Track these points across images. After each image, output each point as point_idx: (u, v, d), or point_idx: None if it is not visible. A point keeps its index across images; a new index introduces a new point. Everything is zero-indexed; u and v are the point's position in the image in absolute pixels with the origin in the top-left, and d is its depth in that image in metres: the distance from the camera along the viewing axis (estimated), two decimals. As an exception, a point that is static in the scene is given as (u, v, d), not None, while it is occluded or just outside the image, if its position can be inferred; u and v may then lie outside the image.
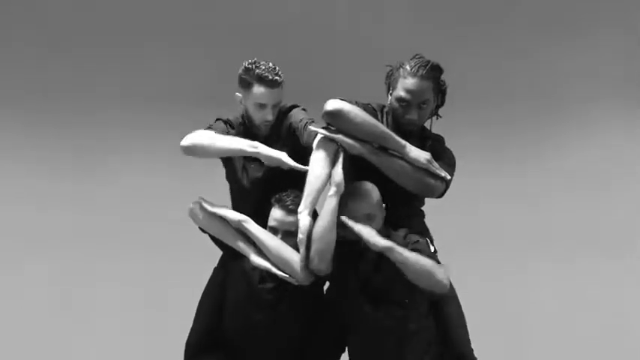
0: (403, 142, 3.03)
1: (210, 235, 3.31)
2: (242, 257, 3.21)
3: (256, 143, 3.11)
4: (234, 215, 3.18)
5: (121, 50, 5.23)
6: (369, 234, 2.92)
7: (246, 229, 3.16)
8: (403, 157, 3.03)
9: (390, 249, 2.89)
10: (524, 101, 5.31)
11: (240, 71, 3.24)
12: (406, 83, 3.09)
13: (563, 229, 5.20)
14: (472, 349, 3.30)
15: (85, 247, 5.06)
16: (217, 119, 3.38)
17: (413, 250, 3.00)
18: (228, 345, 3.27)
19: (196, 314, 3.37)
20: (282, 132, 3.28)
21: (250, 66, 3.20)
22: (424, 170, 3.04)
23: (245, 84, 3.22)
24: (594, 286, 5.09)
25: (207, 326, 3.31)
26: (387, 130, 3.04)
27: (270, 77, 3.17)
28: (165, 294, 4.91)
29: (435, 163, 3.05)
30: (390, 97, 3.19)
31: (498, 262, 5.14)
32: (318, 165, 3.02)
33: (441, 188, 3.07)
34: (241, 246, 3.18)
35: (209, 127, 3.30)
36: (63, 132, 5.19)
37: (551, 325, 5.06)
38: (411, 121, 3.11)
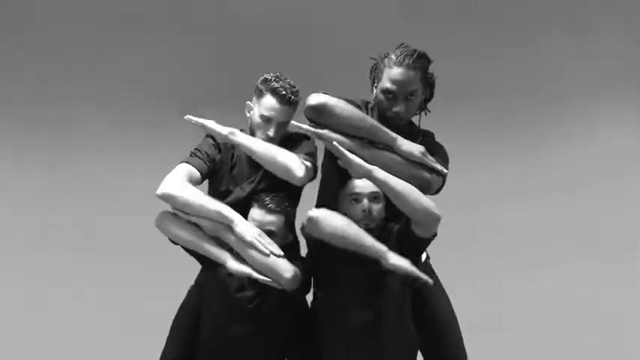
0: (394, 134, 2.91)
1: (182, 246, 3.12)
2: (218, 266, 3.02)
3: (233, 215, 2.97)
4: (228, 212, 2.98)
5: (101, 47, 5.13)
6: (354, 158, 2.81)
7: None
8: (395, 150, 2.90)
9: (373, 170, 2.80)
10: (523, 99, 5.23)
11: (259, 81, 3.12)
12: (392, 73, 2.96)
13: (564, 228, 5.13)
14: (465, 353, 3.21)
15: (60, 248, 4.96)
16: (207, 136, 3.20)
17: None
18: None
19: (170, 335, 3.22)
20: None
21: (270, 77, 3.10)
22: (419, 164, 2.91)
23: (258, 93, 3.10)
24: (596, 286, 5.03)
25: (181, 350, 3.16)
26: (377, 123, 2.91)
27: (284, 93, 3.05)
28: (140, 296, 4.82)
29: (430, 156, 2.91)
30: (375, 91, 3.05)
31: (496, 261, 5.06)
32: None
33: (438, 183, 2.95)
34: (216, 253, 2.98)
35: (190, 156, 3.13)
36: (38, 132, 5.09)
37: (551, 325, 5.00)
38: (398, 114, 2.97)
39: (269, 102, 3.05)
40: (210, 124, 3.06)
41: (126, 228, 4.92)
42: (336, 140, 2.85)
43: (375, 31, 5.00)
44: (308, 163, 2.98)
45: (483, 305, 4.86)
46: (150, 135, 5.06)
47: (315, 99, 2.89)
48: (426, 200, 2.78)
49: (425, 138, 3.09)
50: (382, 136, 2.89)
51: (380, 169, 2.81)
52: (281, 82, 3.07)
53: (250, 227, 2.94)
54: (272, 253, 2.89)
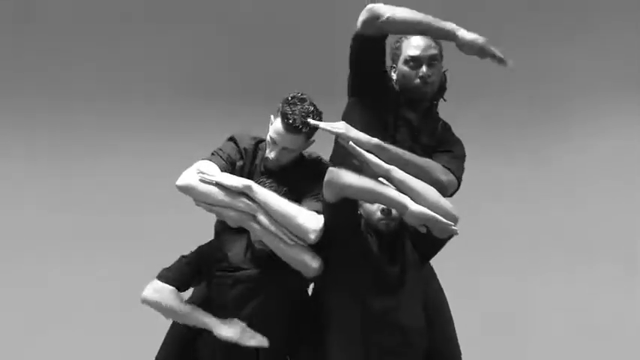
0: (452, 25, 2.91)
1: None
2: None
3: (249, 182, 2.93)
4: (238, 181, 2.95)
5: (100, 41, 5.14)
6: (371, 158, 2.81)
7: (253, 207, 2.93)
8: (458, 43, 2.87)
9: (391, 170, 2.80)
10: (528, 98, 5.27)
11: (283, 99, 3.03)
12: (412, 41, 3.09)
13: (566, 230, 5.15)
14: (459, 351, 3.22)
15: (64, 247, 4.99)
16: (229, 139, 3.17)
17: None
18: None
19: (163, 343, 3.23)
20: (296, 178, 3.07)
21: (290, 99, 3.01)
22: (436, 165, 2.97)
23: (277, 112, 3.03)
24: (603, 290, 5.06)
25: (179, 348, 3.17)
26: (430, 17, 2.92)
27: (292, 121, 2.96)
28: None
29: (492, 46, 2.93)
30: (395, 74, 3.11)
31: (499, 263, 5.09)
32: None
33: (454, 185, 3.00)
34: (247, 207, 2.92)
35: (212, 155, 3.08)
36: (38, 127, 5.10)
37: (554, 328, 5.01)
38: (424, 77, 3.03)
39: (277, 125, 3.01)
40: (225, 178, 2.96)
41: (129, 227, 4.95)
42: (353, 140, 2.84)
43: None
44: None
45: (483, 307, 4.87)
46: (154, 136, 5.09)
47: (365, 13, 2.91)
48: (443, 200, 2.81)
49: (443, 130, 3.15)
50: (443, 25, 2.89)
51: (398, 170, 2.81)
52: (294, 108, 2.98)
53: (238, 179, 2.93)
54: (297, 242, 2.91)
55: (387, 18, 2.88)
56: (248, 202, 2.92)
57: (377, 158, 2.82)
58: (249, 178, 3.02)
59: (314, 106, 3.01)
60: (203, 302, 3.10)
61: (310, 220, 2.91)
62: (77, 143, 5.11)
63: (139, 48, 5.16)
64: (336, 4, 4.90)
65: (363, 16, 2.92)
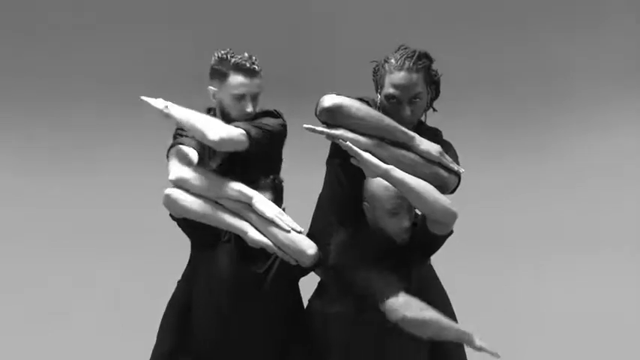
0: (411, 133, 2.87)
1: (183, 223, 3.04)
2: (212, 248, 3.04)
3: (252, 192, 2.93)
4: (247, 190, 2.94)
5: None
6: (369, 158, 2.78)
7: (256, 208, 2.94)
8: (412, 150, 2.87)
9: (390, 170, 2.78)
10: (530, 95, 5.26)
11: (213, 62, 3.07)
12: (393, 78, 2.91)
13: (568, 227, 5.14)
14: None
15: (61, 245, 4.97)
16: (209, 109, 3.15)
17: None
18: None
19: (160, 330, 3.20)
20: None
21: (224, 55, 3.04)
22: (437, 164, 2.90)
23: (219, 75, 3.05)
24: (606, 286, 5.04)
25: (171, 346, 3.13)
26: (393, 122, 2.86)
27: (248, 65, 3.01)
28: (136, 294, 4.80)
29: (447, 156, 2.89)
30: (379, 96, 3.00)
31: (500, 262, 5.08)
32: None
33: (454, 182, 2.94)
34: (236, 223, 2.93)
35: (175, 138, 3.07)
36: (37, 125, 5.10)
37: (557, 328, 4.98)
38: (404, 119, 2.92)
39: (236, 80, 3.02)
40: (152, 100, 2.95)
41: (124, 223, 4.96)
42: (350, 140, 2.82)
43: (380, 23, 5.04)
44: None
45: (484, 308, 4.81)
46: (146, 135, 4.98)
47: (329, 101, 2.85)
48: (442, 198, 2.81)
49: (433, 137, 3.04)
50: (400, 134, 2.86)
51: (397, 169, 2.79)
52: (239, 56, 3.03)
53: (270, 205, 2.93)
54: (293, 229, 2.90)
55: (345, 113, 2.85)
56: (243, 190, 2.92)
57: (375, 158, 2.79)
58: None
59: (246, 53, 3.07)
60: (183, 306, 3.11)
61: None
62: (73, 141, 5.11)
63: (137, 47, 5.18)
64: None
65: (322, 104, 2.86)
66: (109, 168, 5.10)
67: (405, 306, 2.80)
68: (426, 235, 2.90)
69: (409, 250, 2.96)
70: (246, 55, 3.05)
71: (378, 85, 3.01)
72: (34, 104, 5.12)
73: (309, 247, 2.93)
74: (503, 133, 5.24)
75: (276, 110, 3.12)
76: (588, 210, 5.14)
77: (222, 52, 3.05)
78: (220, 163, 3.08)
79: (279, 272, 3.01)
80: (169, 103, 2.95)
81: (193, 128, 2.91)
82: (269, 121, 3.05)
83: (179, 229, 3.17)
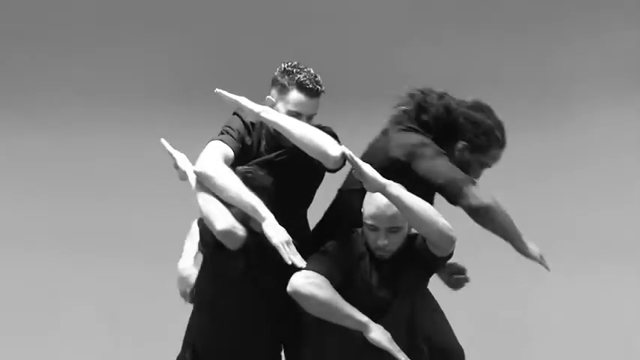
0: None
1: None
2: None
3: (266, 213, 2.89)
4: (262, 209, 2.91)
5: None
6: (369, 171, 2.79)
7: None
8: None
9: (387, 185, 2.78)
10: (527, 94, 5.44)
11: (277, 73, 3.09)
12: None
13: (571, 231, 5.32)
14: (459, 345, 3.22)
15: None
16: (234, 114, 3.15)
17: None
18: None
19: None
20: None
21: (291, 69, 3.06)
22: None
23: (281, 87, 3.07)
24: (611, 292, 5.20)
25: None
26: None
27: (312, 86, 3.03)
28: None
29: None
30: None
31: (503, 265, 5.02)
32: None
33: (452, 182, 3.02)
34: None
35: (222, 134, 3.07)
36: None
37: (559, 329, 5.17)
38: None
39: (296, 97, 3.06)
40: (243, 100, 3.01)
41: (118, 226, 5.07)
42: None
43: (380, 18, 5.21)
44: (345, 149, 2.88)
45: (485, 311, 5.03)
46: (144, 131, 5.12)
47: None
48: (441, 221, 2.81)
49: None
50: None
51: (396, 184, 2.80)
52: (304, 74, 3.03)
53: (280, 231, 2.90)
54: (294, 263, 2.87)
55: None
56: (258, 208, 2.92)
57: (375, 171, 2.80)
58: (256, 156, 3.10)
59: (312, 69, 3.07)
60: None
61: (329, 141, 2.93)
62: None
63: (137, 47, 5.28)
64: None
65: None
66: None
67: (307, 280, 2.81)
68: (426, 252, 2.92)
69: (408, 265, 2.95)
70: (312, 72, 3.07)
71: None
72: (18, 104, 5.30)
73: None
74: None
75: (330, 128, 3.11)
76: (593, 211, 5.26)
77: (289, 64, 3.08)
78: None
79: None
80: (268, 108, 3.00)
81: (309, 139, 2.94)
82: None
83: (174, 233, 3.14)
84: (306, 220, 3.24)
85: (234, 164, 3.05)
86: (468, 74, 5.11)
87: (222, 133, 3.10)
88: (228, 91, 3.07)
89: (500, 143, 3.25)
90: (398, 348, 2.86)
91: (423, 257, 2.94)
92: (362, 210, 2.96)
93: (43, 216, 5.15)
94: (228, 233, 2.88)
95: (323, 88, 3.05)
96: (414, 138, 3.13)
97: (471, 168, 3.21)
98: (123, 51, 5.19)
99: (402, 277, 2.95)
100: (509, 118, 5.26)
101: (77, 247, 5.08)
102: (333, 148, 2.91)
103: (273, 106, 3.06)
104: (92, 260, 5.01)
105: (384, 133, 3.24)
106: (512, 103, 5.30)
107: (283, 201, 2.98)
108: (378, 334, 2.86)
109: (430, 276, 3.10)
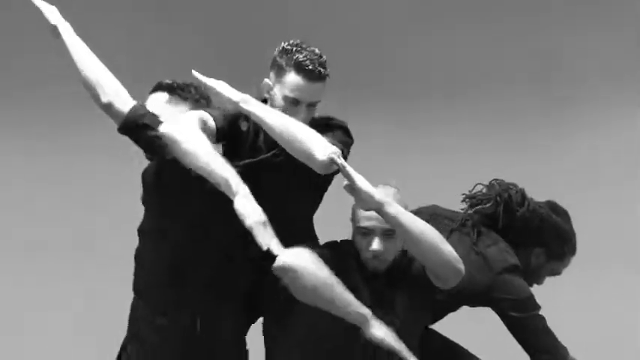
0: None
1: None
2: None
3: (239, 187, 2.34)
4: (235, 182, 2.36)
5: None
6: (363, 186, 2.36)
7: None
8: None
9: (385, 204, 2.36)
10: (533, 90, 5.08)
11: (276, 52, 2.60)
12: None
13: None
14: None
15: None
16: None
17: None
18: None
19: None
20: None
21: (290, 47, 2.57)
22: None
23: (278, 69, 2.57)
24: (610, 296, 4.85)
25: None
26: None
27: (312, 67, 2.52)
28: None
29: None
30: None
31: None
32: None
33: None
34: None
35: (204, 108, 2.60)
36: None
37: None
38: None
39: (294, 80, 2.54)
40: (221, 86, 2.57)
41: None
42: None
43: (379, 11, 4.89)
44: (337, 150, 2.42)
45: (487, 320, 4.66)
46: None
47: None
48: (447, 249, 2.41)
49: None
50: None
51: (394, 204, 2.40)
52: (305, 53, 2.54)
53: (255, 210, 2.33)
54: (269, 248, 2.29)
55: None
56: (231, 181, 2.36)
57: (371, 186, 2.40)
58: (252, 148, 2.60)
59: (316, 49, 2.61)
60: None
61: (318, 141, 2.43)
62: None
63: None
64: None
65: None
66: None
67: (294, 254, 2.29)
68: (425, 281, 2.52)
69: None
70: (316, 52, 2.57)
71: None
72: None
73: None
74: (509, 133, 5.10)
75: (344, 123, 2.68)
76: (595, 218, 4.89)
77: (290, 42, 2.59)
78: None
79: None
80: (248, 97, 2.53)
81: (293, 138, 2.44)
82: (345, 142, 2.61)
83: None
84: (312, 228, 2.78)
85: (225, 155, 2.53)
86: (469, 71, 4.96)
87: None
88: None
89: (575, 251, 3.03)
90: (406, 348, 2.34)
91: (420, 285, 2.57)
92: (352, 214, 2.62)
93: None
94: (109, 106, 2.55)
95: (327, 71, 2.58)
96: (523, 289, 2.83)
97: (541, 274, 3.01)
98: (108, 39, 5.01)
99: (397, 297, 2.58)
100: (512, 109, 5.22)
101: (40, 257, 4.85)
102: (320, 150, 2.41)
103: (270, 90, 2.62)
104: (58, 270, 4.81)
105: (462, 231, 2.91)
106: (512, 100, 5.13)
107: (284, 206, 2.54)
108: (381, 331, 2.32)
109: (428, 310, 2.69)
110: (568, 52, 5.08)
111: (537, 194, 4.90)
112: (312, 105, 2.58)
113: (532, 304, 2.82)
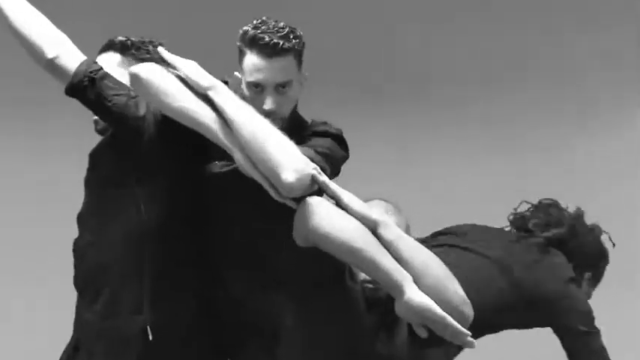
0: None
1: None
2: None
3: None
4: (200, 77, 2.15)
5: None
6: (355, 204, 2.01)
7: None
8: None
9: (384, 226, 2.00)
10: (546, 89, 5.06)
11: (241, 32, 2.22)
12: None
13: None
14: None
15: None
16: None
17: None
18: None
19: None
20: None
21: (248, 27, 2.19)
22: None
23: (240, 55, 2.21)
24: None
25: None
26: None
27: (267, 39, 2.11)
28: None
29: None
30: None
31: None
32: None
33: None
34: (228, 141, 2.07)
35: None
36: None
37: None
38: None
39: (249, 61, 2.14)
40: (189, 67, 2.19)
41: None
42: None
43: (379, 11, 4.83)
44: (315, 170, 2.04)
45: None
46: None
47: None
48: (453, 288, 2.01)
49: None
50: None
51: (393, 226, 2.07)
52: (264, 28, 2.15)
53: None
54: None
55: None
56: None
57: (361, 204, 2.05)
58: None
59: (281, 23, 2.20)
60: None
61: (288, 153, 2.03)
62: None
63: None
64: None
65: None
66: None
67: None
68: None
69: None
70: (271, 24, 2.16)
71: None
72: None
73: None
74: (510, 134, 5.07)
75: (339, 131, 2.26)
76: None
77: (253, 21, 2.21)
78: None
79: None
80: (218, 84, 2.18)
81: (260, 146, 2.02)
82: (336, 153, 2.19)
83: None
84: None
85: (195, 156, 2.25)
86: (468, 72, 4.94)
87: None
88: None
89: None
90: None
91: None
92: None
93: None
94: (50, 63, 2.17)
95: (291, 43, 2.14)
96: (588, 303, 2.63)
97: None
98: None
99: (393, 334, 2.18)
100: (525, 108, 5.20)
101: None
102: (289, 168, 1.99)
103: (240, 84, 2.24)
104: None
105: (520, 243, 2.70)
106: (513, 102, 5.10)
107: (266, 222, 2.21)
108: (419, 296, 1.91)
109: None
110: (568, 52, 5.07)
111: (537, 195, 4.94)
112: (280, 87, 2.16)
113: (594, 321, 2.61)
